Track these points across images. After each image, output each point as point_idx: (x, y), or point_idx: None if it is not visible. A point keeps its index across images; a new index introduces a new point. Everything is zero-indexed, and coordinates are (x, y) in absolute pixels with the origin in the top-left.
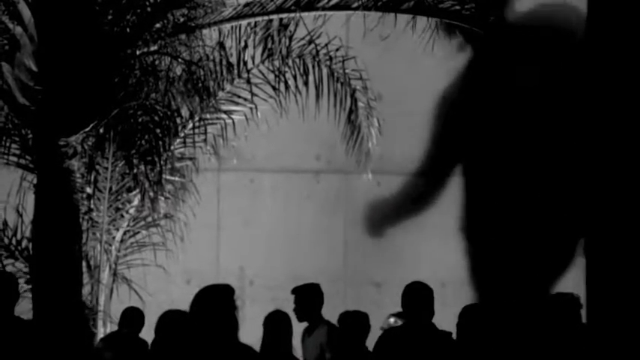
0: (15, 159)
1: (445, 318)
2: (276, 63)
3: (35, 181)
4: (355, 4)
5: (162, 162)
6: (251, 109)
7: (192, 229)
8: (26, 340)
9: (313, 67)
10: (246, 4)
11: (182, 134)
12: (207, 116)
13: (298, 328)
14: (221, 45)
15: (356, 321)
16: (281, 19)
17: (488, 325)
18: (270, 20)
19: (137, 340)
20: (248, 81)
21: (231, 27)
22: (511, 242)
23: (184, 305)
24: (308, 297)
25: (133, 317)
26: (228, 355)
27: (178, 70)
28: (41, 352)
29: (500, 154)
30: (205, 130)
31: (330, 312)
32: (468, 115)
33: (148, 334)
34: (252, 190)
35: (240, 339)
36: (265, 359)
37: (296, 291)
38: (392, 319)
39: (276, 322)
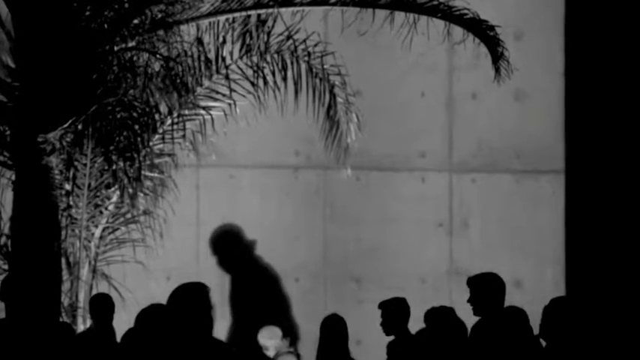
0: None
1: None
2: (255, 59)
3: (13, 178)
4: (333, 0)
5: (141, 158)
6: (230, 105)
7: (172, 225)
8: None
9: (292, 62)
10: (224, 0)
11: (161, 130)
12: (186, 112)
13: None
14: (199, 41)
15: (442, 316)
16: (259, 15)
17: (573, 320)
18: (249, 16)
19: (108, 329)
20: (226, 77)
21: (209, 23)
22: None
23: (164, 302)
24: (395, 311)
25: (102, 305)
26: (200, 351)
27: (156, 66)
28: (19, 349)
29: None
30: (184, 126)
31: (310, 308)
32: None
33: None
34: (231, 186)
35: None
36: None
37: (383, 305)
38: None
39: (332, 326)
